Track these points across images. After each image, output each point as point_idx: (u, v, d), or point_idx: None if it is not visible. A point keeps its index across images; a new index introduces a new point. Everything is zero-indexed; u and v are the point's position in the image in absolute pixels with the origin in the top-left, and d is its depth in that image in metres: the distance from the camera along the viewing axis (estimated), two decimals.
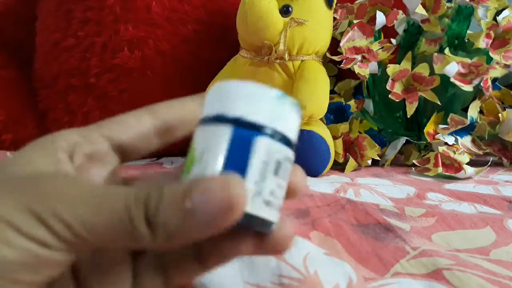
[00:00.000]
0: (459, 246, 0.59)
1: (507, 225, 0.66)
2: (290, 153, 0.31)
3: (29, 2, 1.21)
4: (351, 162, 1.04)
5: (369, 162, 1.08)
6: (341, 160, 1.06)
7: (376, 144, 1.06)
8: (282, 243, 0.33)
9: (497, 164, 1.15)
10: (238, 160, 0.29)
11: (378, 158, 1.09)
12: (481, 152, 1.07)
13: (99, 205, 0.28)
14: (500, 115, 1.08)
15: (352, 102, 1.16)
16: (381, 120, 1.18)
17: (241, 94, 0.30)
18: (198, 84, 0.88)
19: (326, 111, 0.96)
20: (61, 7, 1.06)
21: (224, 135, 0.29)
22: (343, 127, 1.07)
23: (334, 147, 1.03)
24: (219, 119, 0.30)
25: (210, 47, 1.05)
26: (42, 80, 1.12)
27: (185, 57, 1.03)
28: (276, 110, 0.30)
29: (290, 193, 0.33)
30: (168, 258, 0.35)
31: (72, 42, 1.05)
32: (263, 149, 0.30)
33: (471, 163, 1.00)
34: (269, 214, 0.30)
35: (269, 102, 0.30)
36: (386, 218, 0.65)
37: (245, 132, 0.29)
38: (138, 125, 0.35)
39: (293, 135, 0.32)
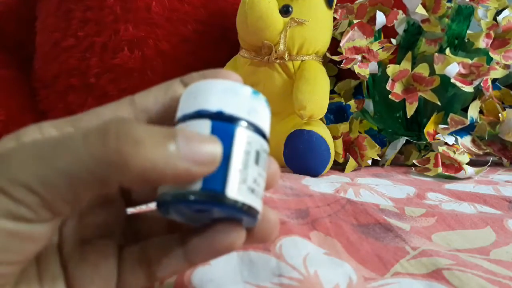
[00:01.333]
0: (459, 246, 0.59)
1: (507, 225, 0.66)
2: (266, 145, 0.33)
3: (29, 2, 1.20)
4: (351, 162, 1.04)
5: (369, 162, 1.08)
6: (341, 160, 1.07)
7: (376, 144, 1.06)
8: (268, 232, 0.34)
9: (497, 164, 1.15)
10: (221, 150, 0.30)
11: (378, 158, 1.09)
12: (481, 152, 1.07)
13: (53, 153, 0.27)
14: (500, 115, 1.08)
15: (352, 102, 1.16)
16: (381, 120, 1.18)
17: (218, 91, 0.31)
18: None
19: (326, 111, 0.96)
20: (61, 7, 1.06)
21: (205, 128, 0.30)
22: (343, 127, 1.07)
23: (334, 147, 1.03)
24: (199, 115, 0.31)
25: (210, 47, 1.05)
26: (42, 80, 1.11)
27: (185, 57, 1.03)
28: (252, 105, 0.32)
29: (267, 184, 0.33)
30: (152, 253, 0.35)
31: (72, 42, 1.04)
32: (244, 139, 0.31)
33: (471, 163, 1.00)
34: (255, 202, 0.31)
35: (245, 98, 0.32)
36: (386, 218, 0.65)
37: (226, 124, 0.31)
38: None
39: (267, 129, 0.33)
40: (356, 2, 1.04)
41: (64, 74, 1.06)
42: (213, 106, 0.31)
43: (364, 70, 0.95)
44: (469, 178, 0.98)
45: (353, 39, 0.96)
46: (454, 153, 0.98)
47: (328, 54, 0.99)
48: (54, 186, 0.27)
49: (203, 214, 0.31)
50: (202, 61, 1.03)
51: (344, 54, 0.96)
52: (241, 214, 0.31)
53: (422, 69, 0.96)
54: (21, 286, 0.31)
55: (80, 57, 1.04)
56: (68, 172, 0.27)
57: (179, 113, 0.32)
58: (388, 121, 1.18)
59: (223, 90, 0.32)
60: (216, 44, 1.04)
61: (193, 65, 1.04)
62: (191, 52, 1.03)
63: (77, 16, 1.04)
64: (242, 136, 0.31)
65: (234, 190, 0.30)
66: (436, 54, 0.92)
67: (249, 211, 0.31)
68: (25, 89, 1.14)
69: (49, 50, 1.09)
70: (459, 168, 0.97)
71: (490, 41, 0.90)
